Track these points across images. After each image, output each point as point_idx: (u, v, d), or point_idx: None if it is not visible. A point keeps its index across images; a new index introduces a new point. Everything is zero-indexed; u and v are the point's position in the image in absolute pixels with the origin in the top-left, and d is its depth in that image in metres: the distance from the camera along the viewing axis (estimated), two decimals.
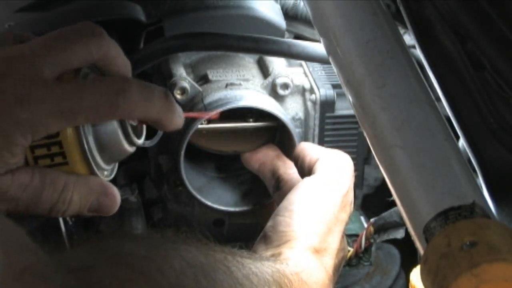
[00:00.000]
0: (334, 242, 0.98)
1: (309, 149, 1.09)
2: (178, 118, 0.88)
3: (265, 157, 1.15)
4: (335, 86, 1.20)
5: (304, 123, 1.20)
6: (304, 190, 1.01)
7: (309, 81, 1.21)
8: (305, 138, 1.20)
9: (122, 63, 0.87)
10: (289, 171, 1.10)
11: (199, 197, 1.15)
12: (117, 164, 0.93)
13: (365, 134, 0.79)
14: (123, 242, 0.76)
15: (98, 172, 0.86)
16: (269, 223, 0.98)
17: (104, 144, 0.87)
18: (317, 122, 1.20)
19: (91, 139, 0.85)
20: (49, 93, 0.80)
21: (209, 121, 1.13)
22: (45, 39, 0.84)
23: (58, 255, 0.71)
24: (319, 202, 0.99)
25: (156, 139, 1.09)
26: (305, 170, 1.07)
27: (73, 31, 0.84)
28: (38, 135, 0.81)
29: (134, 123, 0.90)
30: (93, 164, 0.85)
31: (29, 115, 0.79)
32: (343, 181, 1.02)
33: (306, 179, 1.03)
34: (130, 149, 0.89)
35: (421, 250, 0.71)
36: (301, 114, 1.20)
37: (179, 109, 0.89)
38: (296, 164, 1.10)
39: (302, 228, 0.96)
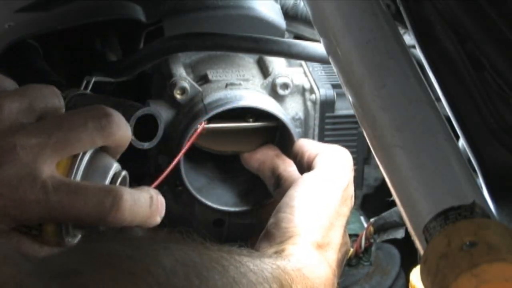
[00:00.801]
0: (336, 236, 0.98)
1: (307, 145, 1.09)
2: (158, 219, 0.92)
3: (265, 156, 1.15)
4: (335, 86, 1.20)
5: (304, 123, 1.20)
6: (304, 185, 1.01)
7: (309, 81, 1.21)
8: (305, 138, 1.20)
9: (123, 142, 0.89)
10: (289, 169, 1.11)
11: (199, 197, 1.15)
12: None
13: (365, 134, 0.79)
14: (110, 243, 0.76)
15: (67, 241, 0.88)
16: (271, 220, 0.98)
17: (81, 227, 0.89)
18: (317, 122, 1.20)
19: (70, 228, 0.87)
20: (43, 201, 0.82)
21: (209, 121, 1.13)
22: (48, 128, 0.84)
23: (42, 261, 0.71)
24: (320, 197, 0.99)
25: (155, 141, 1.09)
26: (304, 166, 1.07)
27: (80, 122, 0.85)
28: (21, 226, 0.84)
29: None
30: (65, 241, 0.87)
31: (18, 214, 0.82)
32: (343, 176, 1.02)
33: (306, 174, 1.03)
34: None
35: (421, 250, 0.71)
36: (301, 114, 1.20)
37: (162, 209, 0.92)
38: (295, 161, 1.10)
39: (304, 223, 0.96)
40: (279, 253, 0.94)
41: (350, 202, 1.02)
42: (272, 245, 0.96)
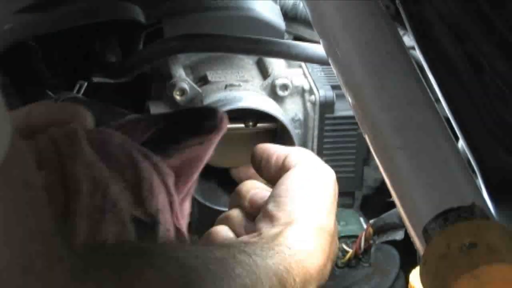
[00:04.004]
0: (335, 225, 0.97)
1: (272, 148, 1.02)
2: None
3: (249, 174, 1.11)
4: (334, 87, 1.20)
5: (304, 124, 1.20)
6: (299, 175, 0.98)
7: (309, 82, 1.21)
8: (304, 139, 1.20)
9: None
10: None
11: (199, 198, 1.15)
12: None
13: (364, 135, 0.79)
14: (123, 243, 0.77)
15: None
16: (271, 204, 0.94)
17: None
18: (316, 123, 1.20)
19: None
20: None
21: None
22: None
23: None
24: (317, 185, 0.97)
25: None
26: (271, 169, 1.01)
27: None
28: None
29: None
30: None
31: None
32: (329, 171, 1.00)
33: (295, 168, 0.99)
34: None
35: (420, 251, 0.71)
36: (300, 115, 1.20)
37: None
38: (258, 167, 1.01)
39: (305, 208, 0.94)
40: (280, 235, 0.91)
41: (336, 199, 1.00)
42: (275, 225, 0.93)
